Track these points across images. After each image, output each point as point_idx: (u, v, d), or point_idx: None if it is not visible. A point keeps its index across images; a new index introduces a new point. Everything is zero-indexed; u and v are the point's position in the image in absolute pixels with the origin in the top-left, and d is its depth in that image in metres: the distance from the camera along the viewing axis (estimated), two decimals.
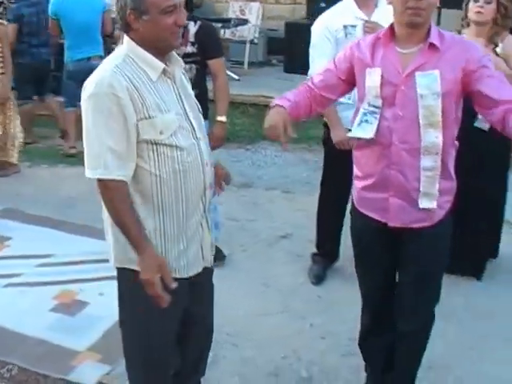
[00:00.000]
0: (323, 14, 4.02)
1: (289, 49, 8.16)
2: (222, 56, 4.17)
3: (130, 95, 2.22)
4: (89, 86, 2.25)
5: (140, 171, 2.29)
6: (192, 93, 2.52)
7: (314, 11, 8.24)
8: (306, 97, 2.81)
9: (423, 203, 2.64)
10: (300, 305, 4.00)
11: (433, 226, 2.70)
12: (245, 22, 8.95)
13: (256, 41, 9.10)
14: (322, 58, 3.79)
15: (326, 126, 4.08)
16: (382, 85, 2.60)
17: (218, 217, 4.39)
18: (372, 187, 2.74)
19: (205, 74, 4.17)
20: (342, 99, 3.25)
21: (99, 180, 2.23)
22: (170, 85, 2.37)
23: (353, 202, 2.92)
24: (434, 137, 2.56)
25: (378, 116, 2.63)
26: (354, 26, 3.83)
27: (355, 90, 2.80)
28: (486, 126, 3.70)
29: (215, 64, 4.09)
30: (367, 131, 2.64)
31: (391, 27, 2.64)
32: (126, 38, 2.34)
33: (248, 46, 9.03)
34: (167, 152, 2.29)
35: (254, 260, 4.61)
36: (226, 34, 8.86)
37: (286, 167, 6.55)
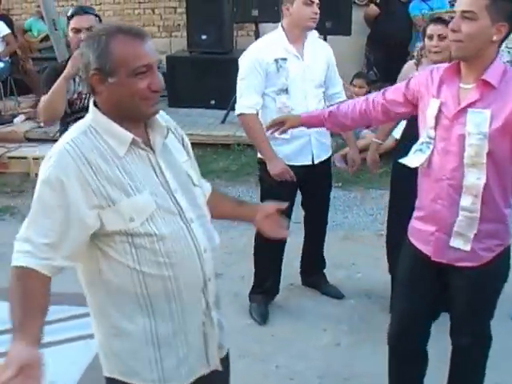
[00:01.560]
0: (251, 47, 3.93)
1: (172, 83, 8.01)
2: None
3: (81, 180, 1.84)
4: (42, 166, 1.89)
5: (118, 267, 1.91)
6: (184, 163, 2.12)
7: (195, 43, 8.19)
8: (356, 107, 2.95)
9: (455, 242, 2.61)
10: (256, 347, 3.83)
11: (480, 266, 2.64)
12: None
13: None
14: (250, 90, 3.79)
15: (260, 162, 3.99)
16: (437, 117, 2.56)
17: None
18: (422, 219, 2.72)
19: None
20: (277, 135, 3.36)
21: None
22: (144, 158, 1.96)
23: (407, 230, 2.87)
24: (475, 177, 2.51)
25: (431, 147, 2.59)
26: (284, 59, 3.78)
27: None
28: None
29: None
30: (416, 160, 2.62)
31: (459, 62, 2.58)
32: (90, 105, 1.98)
33: None
34: (145, 243, 1.89)
35: None
36: None
37: None
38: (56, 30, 7.33)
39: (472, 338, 2.81)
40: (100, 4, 9.32)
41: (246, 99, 3.78)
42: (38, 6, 8.23)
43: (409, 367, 3.02)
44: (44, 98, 3.63)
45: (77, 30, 3.66)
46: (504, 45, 7.28)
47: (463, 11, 2.42)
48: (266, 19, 7.14)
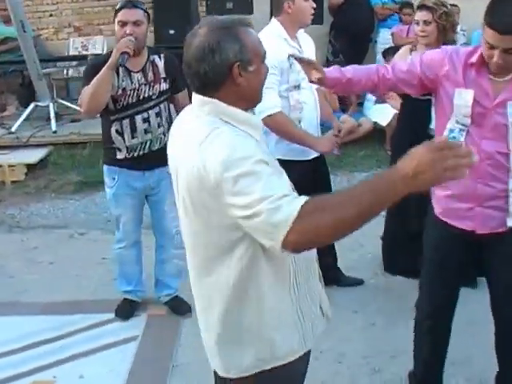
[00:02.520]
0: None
1: None
2: (186, 87, 3.89)
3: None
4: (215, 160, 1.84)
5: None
6: None
7: (162, 38, 8.14)
8: (370, 79, 2.93)
9: (510, 222, 2.74)
10: None
11: None
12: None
13: None
14: (270, 90, 3.53)
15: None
16: (473, 106, 2.64)
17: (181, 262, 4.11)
18: (457, 198, 2.80)
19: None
20: None
21: None
22: (262, 143, 2.06)
23: (432, 212, 2.96)
24: None
25: (465, 134, 2.68)
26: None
27: None
28: None
29: (184, 97, 3.81)
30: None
31: (482, 53, 2.64)
32: (208, 101, 1.97)
33: None
34: None
35: None
36: (69, 72, 8.37)
37: None
38: (25, 31, 7.18)
39: None
40: (57, 3, 9.13)
41: (269, 100, 3.55)
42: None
43: (438, 343, 3.14)
44: (86, 89, 3.55)
45: (123, 24, 3.59)
46: (459, 27, 7.50)
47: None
48: (240, 11, 7.17)
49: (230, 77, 1.93)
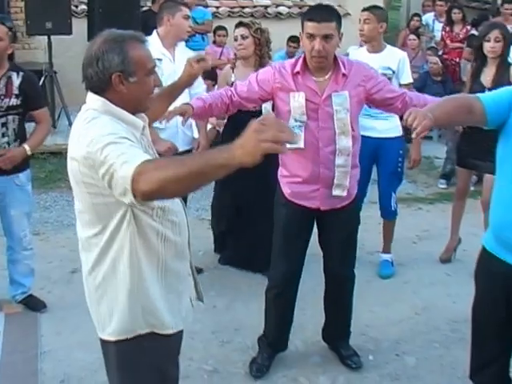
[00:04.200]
0: None
1: None
2: (45, 106, 4.32)
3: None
4: (85, 141, 2.15)
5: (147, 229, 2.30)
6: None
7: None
8: (223, 101, 3.50)
9: (336, 192, 3.47)
10: None
11: (350, 204, 3.59)
12: None
13: None
14: None
15: None
16: (306, 105, 3.34)
17: (33, 263, 4.46)
18: (303, 182, 3.47)
19: (24, 124, 4.23)
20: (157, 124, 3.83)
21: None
22: (145, 144, 2.38)
23: (282, 194, 3.59)
24: (345, 142, 3.38)
25: (303, 128, 3.36)
26: (160, 60, 4.28)
27: None
28: None
29: (40, 114, 4.21)
30: (298, 142, 3.33)
31: (304, 60, 3.36)
32: (97, 98, 2.28)
33: None
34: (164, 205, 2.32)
35: None
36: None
37: None
38: None
39: (350, 263, 3.77)
40: None
41: None
42: None
43: (289, 307, 3.80)
44: None
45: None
46: None
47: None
48: (59, 31, 7.45)
49: (111, 84, 2.25)
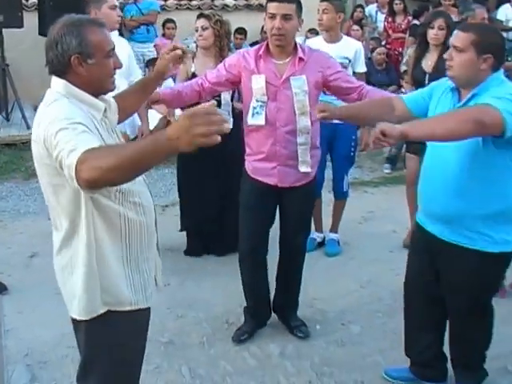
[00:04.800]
0: None
1: None
2: None
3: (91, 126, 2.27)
4: (45, 122, 2.23)
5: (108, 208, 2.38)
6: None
7: None
8: (193, 89, 3.76)
9: (302, 168, 3.73)
10: None
11: (308, 183, 3.83)
12: None
13: None
14: None
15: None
16: (266, 86, 3.60)
17: None
18: (263, 159, 3.73)
19: None
20: None
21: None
22: (108, 126, 2.47)
23: (246, 172, 3.85)
24: (305, 122, 3.64)
25: (264, 107, 3.62)
26: None
27: None
28: None
29: None
30: (260, 119, 3.62)
31: (267, 45, 3.62)
32: (60, 81, 2.38)
33: None
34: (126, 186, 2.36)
35: None
36: None
37: None
38: None
39: (303, 238, 4.06)
40: None
41: None
42: None
43: (260, 273, 4.05)
44: None
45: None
46: None
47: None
48: (10, 25, 7.53)
49: (70, 66, 2.35)
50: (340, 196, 5.53)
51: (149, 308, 2.67)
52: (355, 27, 9.95)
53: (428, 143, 3.16)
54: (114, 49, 2.45)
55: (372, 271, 5.07)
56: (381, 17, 10.63)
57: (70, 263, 2.44)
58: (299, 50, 3.67)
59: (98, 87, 2.43)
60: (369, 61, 9.00)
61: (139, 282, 2.55)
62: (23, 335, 4.03)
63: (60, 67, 2.37)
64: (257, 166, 3.82)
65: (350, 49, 5.16)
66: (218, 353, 3.94)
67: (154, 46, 9.04)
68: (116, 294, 2.48)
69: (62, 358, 3.79)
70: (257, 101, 3.66)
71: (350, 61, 5.12)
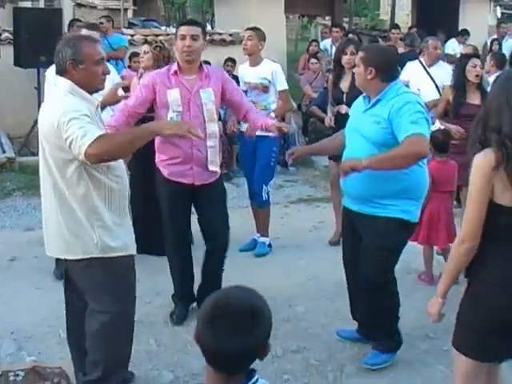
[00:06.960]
0: None
1: None
2: None
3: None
4: (59, 111, 3.09)
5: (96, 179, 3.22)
6: None
7: None
8: (123, 119, 4.32)
9: (211, 167, 4.38)
10: None
11: (217, 180, 4.49)
12: None
13: None
14: None
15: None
16: (180, 98, 4.25)
17: None
18: (180, 163, 4.35)
19: None
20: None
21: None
22: (98, 119, 3.27)
23: (161, 176, 4.45)
24: (213, 127, 4.35)
25: (180, 117, 4.25)
26: None
27: None
28: None
29: None
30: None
31: (178, 64, 4.30)
32: (66, 81, 3.20)
33: None
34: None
35: None
36: None
37: None
38: None
39: (224, 237, 4.63)
40: None
41: None
42: None
43: (186, 268, 4.67)
44: None
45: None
46: None
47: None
48: None
49: (67, 69, 3.19)
50: (259, 204, 6.08)
51: (133, 256, 3.50)
52: (313, 60, 10.61)
53: (344, 135, 4.01)
54: (102, 59, 3.26)
55: (319, 267, 5.68)
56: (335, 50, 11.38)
57: (68, 214, 3.26)
58: (204, 67, 4.40)
59: (87, 87, 3.24)
60: (324, 90, 9.70)
61: (122, 230, 3.38)
62: (8, 319, 4.58)
63: (61, 69, 3.23)
64: (173, 169, 4.41)
65: (267, 70, 5.91)
66: (181, 328, 4.54)
67: (121, 77, 9.64)
68: (109, 239, 3.30)
69: (44, 334, 4.38)
70: (173, 111, 4.30)
71: (269, 81, 5.87)
